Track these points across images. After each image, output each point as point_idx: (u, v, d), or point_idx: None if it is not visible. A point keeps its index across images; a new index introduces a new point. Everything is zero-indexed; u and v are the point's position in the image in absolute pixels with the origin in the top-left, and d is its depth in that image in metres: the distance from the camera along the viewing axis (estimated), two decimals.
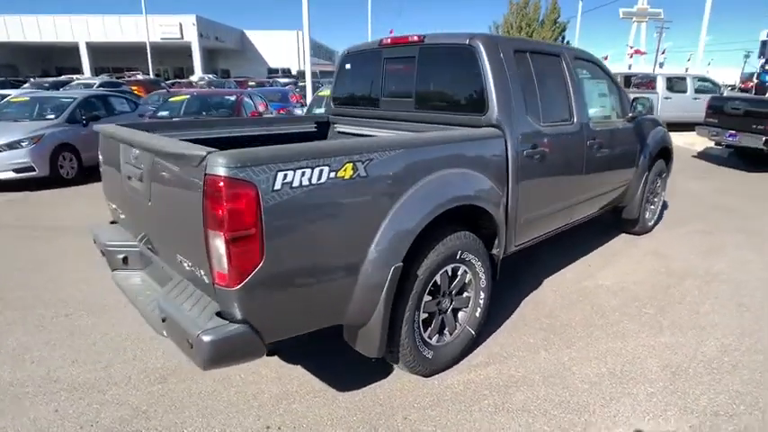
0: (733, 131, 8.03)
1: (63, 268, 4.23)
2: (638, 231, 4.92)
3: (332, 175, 1.96)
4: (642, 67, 31.74)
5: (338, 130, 4.01)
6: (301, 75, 33.93)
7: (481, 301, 2.87)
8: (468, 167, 2.61)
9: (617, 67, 30.32)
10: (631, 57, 30.58)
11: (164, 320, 1.99)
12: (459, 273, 2.70)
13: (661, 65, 32.09)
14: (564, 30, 26.40)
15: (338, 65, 3.94)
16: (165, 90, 14.02)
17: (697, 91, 12.52)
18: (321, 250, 2.02)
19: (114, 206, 2.89)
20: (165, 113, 8.21)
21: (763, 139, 7.35)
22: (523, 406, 2.48)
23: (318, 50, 57.90)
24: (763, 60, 24.15)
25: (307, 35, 12.37)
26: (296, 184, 1.85)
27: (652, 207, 4.97)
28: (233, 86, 22.56)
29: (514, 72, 2.96)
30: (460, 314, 2.81)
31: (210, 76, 34.31)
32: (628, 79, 13.97)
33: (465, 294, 2.80)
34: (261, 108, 9.67)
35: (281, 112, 11.98)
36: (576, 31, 28.15)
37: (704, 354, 2.93)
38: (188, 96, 8.89)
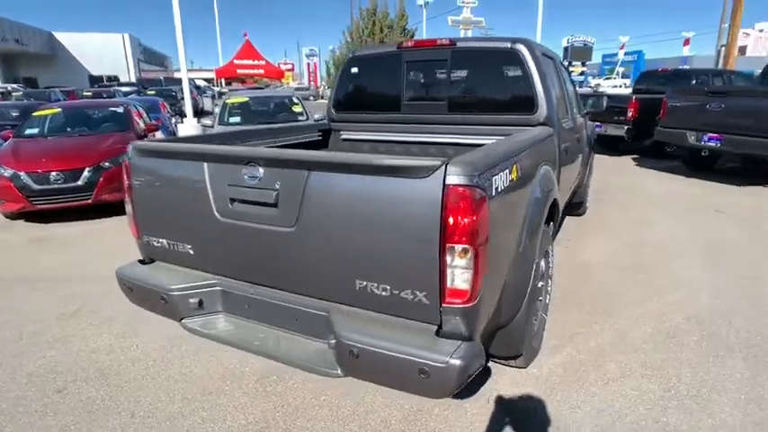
0: (599, 123, 9.67)
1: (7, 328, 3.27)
2: (581, 213, 5.66)
3: (510, 177, 1.95)
4: None
5: (343, 137, 3.83)
6: (141, 83, 30.43)
7: (550, 288, 3.06)
8: (546, 162, 2.77)
9: None
10: None
11: (357, 357, 1.74)
12: (543, 263, 2.85)
13: None
14: (413, 36, 28.33)
15: (342, 69, 3.74)
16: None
17: None
18: (506, 254, 1.99)
19: (164, 241, 2.36)
20: (34, 131, 6.71)
21: (625, 128, 9.03)
22: (622, 373, 2.74)
23: (152, 57, 52.54)
24: (566, 63, 29.42)
25: (180, 43, 11.19)
26: (500, 188, 1.81)
27: (588, 191, 5.75)
28: (62, 98, 19.00)
29: (549, 73, 3.22)
30: (537, 302, 2.96)
31: (15, 85, 28.54)
32: None
33: (540, 284, 2.96)
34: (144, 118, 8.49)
35: (159, 123, 10.70)
36: (423, 36, 30.51)
37: (705, 304, 3.55)
38: (58, 110, 7.39)
